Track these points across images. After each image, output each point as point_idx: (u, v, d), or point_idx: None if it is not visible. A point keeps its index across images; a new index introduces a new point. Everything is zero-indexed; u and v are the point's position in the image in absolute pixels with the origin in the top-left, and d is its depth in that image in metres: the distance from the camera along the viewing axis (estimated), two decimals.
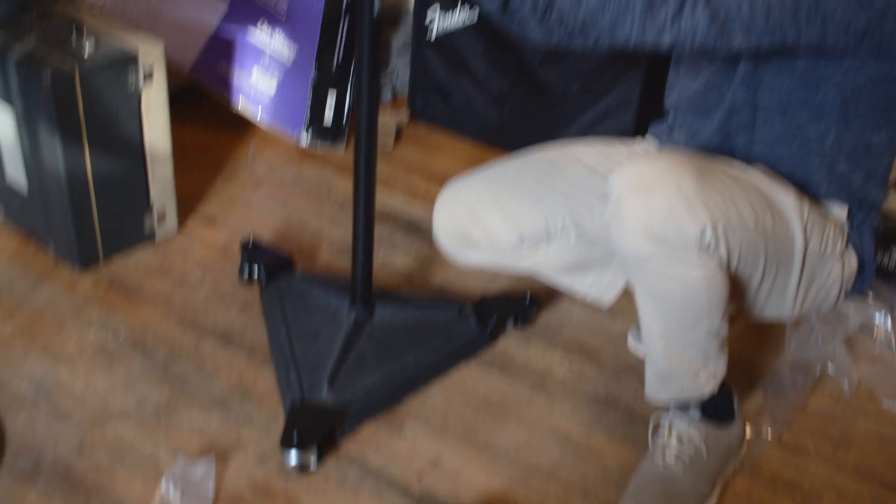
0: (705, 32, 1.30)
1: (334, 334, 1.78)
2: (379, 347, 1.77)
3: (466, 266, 1.74)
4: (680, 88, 1.61)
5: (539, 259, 1.66)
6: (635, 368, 1.84)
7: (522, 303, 1.92)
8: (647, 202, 1.29)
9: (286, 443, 1.54)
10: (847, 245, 1.49)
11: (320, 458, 1.58)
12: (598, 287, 1.71)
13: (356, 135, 1.64)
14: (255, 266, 1.97)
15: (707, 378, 1.50)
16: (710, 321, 1.40)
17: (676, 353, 1.45)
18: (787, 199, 1.40)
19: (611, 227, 1.36)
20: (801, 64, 1.40)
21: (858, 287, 1.54)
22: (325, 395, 1.66)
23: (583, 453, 1.65)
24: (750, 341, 1.92)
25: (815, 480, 1.62)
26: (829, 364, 1.84)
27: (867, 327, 1.92)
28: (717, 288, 1.36)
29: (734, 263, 1.35)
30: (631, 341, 1.90)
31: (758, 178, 1.42)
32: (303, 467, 1.56)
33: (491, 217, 1.62)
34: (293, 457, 1.54)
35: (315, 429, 1.57)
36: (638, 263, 1.35)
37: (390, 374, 1.73)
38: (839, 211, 1.50)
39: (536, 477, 1.59)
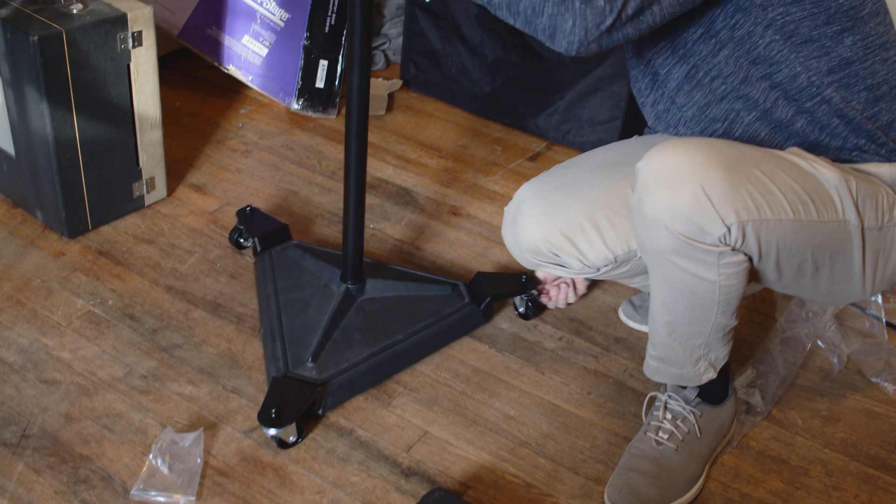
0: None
1: (323, 307, 1.76)
2: (367, 323, 1.75)
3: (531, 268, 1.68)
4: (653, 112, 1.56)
5: (615, 274, 1.60)
6: (625, 342, 1.84)
7: (517, 282, 1.85)
8: (672, 196, 1.25)
9: (263, 420, 1.52)
10: None
11: (301, 432, 1.57)
12: (645, 283, 1.69)
13: (346, 118, 1.60)
14: (249, 234, 1.95)
15: (706, 367, 1.49)
16: (718, 318, 1.39)
17: (680, 341, 1.44)
18: (830, 179, 1.32)
19: (634, 215, 1.33)
20: (722, 30, 1.34)
21: None
22: (308, 369, 1.65)
23: (572, 426, 1.65)
24: (740, 318, 1.91)
25: (802, 456, 1.63)
26: (819, 340, 1.84)
27: (858, 304, 1.91)
28: (732, 288, 1.33)
29: (772, 258, 1.32)
30: (622, 314, 1.90)
31: (798, 162, 1.33)
32: (281, 443, 1.55)
33: (587, 243, 1.53)
34: (271, 433, 1.54)
35: (293, 405, 1.55)
36: (656, 255, 1.33)
37: (377, 350, 1.70)
38: (889, 171, 1.40)
39: (525, 450, 1.59)
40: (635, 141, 1.67)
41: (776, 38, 1.32)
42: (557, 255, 1.56)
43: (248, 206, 2.00)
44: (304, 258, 1.89)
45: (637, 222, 1.33)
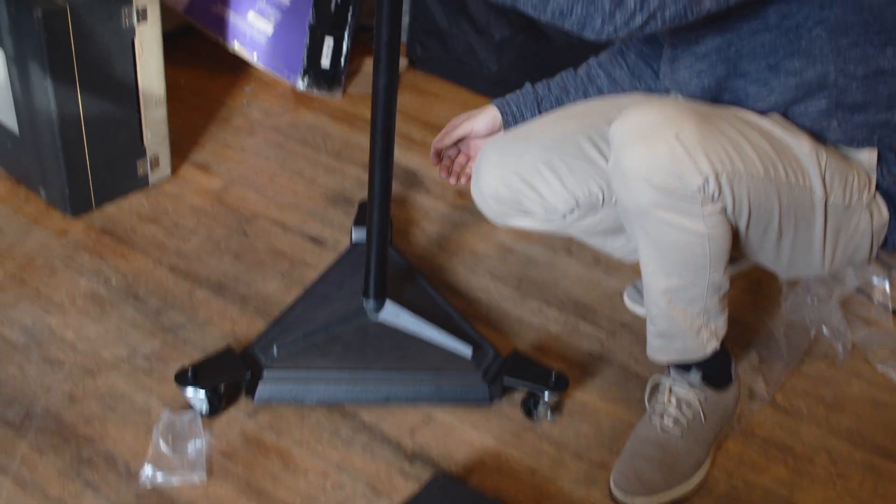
0: (675, 4, 1.23)
1: (334, 311, 1.69)
2: (358, 342, 1.64)
3: (507, 229, 1.65)
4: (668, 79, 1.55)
5: (586, 225, 1.58)
6: (630, 326, 1.83)
7: (545, 378, 1.59)
8: (649, 151, 1.26)
9: (177, 376, 1.53)
10: (876, 194, 1.43)
11: (215, 405, 1.55)
12: (627, 248, 1.68)
13: (372, 126, 1.50)
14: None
15: (709, 336, 1.49)
16: (712, 275, 1.39)
17: (679, 308, 1.44)
18: (802, 147, 1.34)
19: (613, 176, 1.33)
20: (773, 16, 1.33)
21: (893, 239, 1.47)
22: (267, 354, 1.60)
23: (576, 412, 1.64)
24: (745, 302, 1.91)
25: (807, 444, 1.62)
26: (824, 326, 1.83)
27: (865, 290, 1.91)
28: (720, 239, 1.34)
29: (744, 215, 1.32)
30: (626, 299, 1.89)
31: (771, 126, 1.36)
32: (190, 406, 1.55)
33: (546, 185, 1.52)
34: (186, 392, 1.53)
35: (214, 375, 1.54)
36: (640, 213, 1.32)
37: (344, 369, 1.61)
38: (868, 156, 1.41)
39: (530, 435, 1.59)
40: (597, 98, 1.66)
41: (822, 34, 1.32)
42: (520, 201, 1.55)
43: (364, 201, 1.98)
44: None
45: (616, 182, 1.33)
